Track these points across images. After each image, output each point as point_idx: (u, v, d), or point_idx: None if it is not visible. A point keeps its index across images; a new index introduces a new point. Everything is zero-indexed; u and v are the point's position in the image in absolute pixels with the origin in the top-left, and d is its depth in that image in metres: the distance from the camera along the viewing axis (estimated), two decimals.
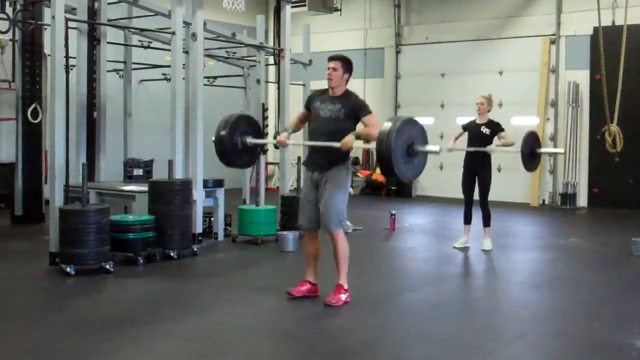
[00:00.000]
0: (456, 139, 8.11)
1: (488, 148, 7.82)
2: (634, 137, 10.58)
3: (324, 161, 5.43)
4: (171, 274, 6.71)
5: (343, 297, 5.44)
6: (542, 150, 8.29)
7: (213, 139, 5.85)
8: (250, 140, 5.78)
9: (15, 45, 9.33)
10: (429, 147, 5.05)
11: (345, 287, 5.48)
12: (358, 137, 5.30)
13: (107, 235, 6.50)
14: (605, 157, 10.16)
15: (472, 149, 7.90)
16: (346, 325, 5.14)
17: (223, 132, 5.70)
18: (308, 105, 5.65)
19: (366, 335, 4.90)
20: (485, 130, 7.88)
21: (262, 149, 6.16)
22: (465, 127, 8.07)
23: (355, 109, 5.40)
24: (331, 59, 5.55)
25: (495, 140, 7.97)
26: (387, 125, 4.89)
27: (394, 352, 4.52)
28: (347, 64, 5.51)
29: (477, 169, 7.93)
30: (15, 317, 5.19)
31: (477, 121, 8.00)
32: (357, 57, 14.77)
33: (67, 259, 6.36)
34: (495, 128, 7.89)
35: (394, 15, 14.54)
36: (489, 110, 8.00)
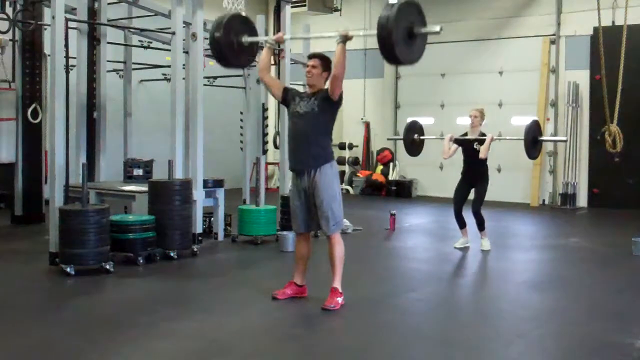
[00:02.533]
0: (450, 150, 8.08)
1: (481, 155, 7.78)
2: (634, 137, 10.59)
3: (308, 158, 5.40)
4: (171, 274, 6.71)
5: (340, 300, 5.42)
6: (545, 138, 8.34)
7: (208, 42, 5.77)
8: (245, 38, 5.68)
9: (15, 45, 9.32)
10: (430, 28, 4.99)
11: (340, 290, 5.46)
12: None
13: (107, 235, 6.50)
14: (605, 157, 10.16)
15: (467, 139, 7.93)
16: (346, 325, 5.14)
17: (217, 34, 5.58)
18: (286, 89, 5.67)
19: (366, 335, 4.90)
20: (477, 146, 7.86)
21: (259, 45, 6.05)
22: (459, 143, 8.04)
23: (323, 92, 5.41)
24: (311, 56, 5.60)
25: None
26: (385, 11, 4.79)
27: (393, 352, 4.52)
28: (326, 62, 5.53)
29: (475, 181, 7.94)
30: (15, 317, 5.19)
31: (470, 135, 7.98)
32: (357, 57, 14.88)
33: (67, 259, 6.36)
34: (483, 142, 7.86)
35: None
36: (481, 124, 7.99)
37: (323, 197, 5.35)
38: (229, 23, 5.63)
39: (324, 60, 5.54)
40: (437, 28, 4.94)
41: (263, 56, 5.69)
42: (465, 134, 8.05)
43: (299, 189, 5.50)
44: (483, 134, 7.91)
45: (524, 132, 7.84)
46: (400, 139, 8.82)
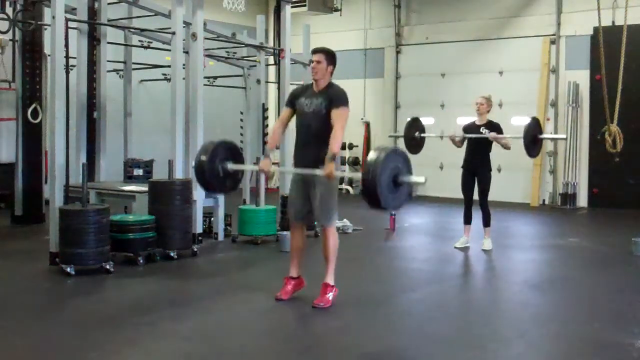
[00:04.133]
0: (457, 140, 8.10)
1: (489, 135, 7.80)
2: (634, 137, 10.58)
3: (312, 159, 5.41)
4: (171, 274, 6.71)
5: (330, 296, 5.43)
6: (545, 135, 8.32)
7: (193, 165, 5.79)
8: (231, 166, 5.68)
9: (15, 45, 9.32)
10: (415, 178, 5.00)
11: (332, 283, 5.47)
12: (333, 158, 5.22)
13: (107, 235, 6.50)
14: (605, 157, 10.15)
15: (472, 135, 7.93)
16: (346, 325, 5.14)
17: (203, 158, 5.59)
18: (292, 101, 5.62)
19: (366, 335, 4.89)
20: (484, 131, 7.87)
21: (243, 174, 6.09)
22: (466, 130, 8.06)
23: (332, 99, 5.39)
24: (314, 51, 5.60)
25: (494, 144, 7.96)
26: (373, 156, 4.83)
27: (393, 352, 4.52)
28: (330, 56, 5.55)
29: (476, 168, 7.94)
30: (15, 317, 5.19)
31: (477, 122, 8.00)
32: (357, 57, 14.89)
33: (67, 259, 6.36)
34: (496, 130, 7.87)
35: (394, 15, 14.54)
36: (488, 111, 8.00)
37: (321, 190, 5.39)
38: (216, 149, 5.63)
39: (328, 54, 5.56)
40: (422, 179, 4.95)
41: (274, 129, 5.70)
42: (473, 123, 8.03)
43: (297, 180, 5.57)
44: (491, 122, 7.91)
45: (524, 130, 7.82)
46: (401, 137, 8.80)
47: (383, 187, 4.78)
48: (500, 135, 7.85)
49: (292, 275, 5.68)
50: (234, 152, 5.79)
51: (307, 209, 5.54)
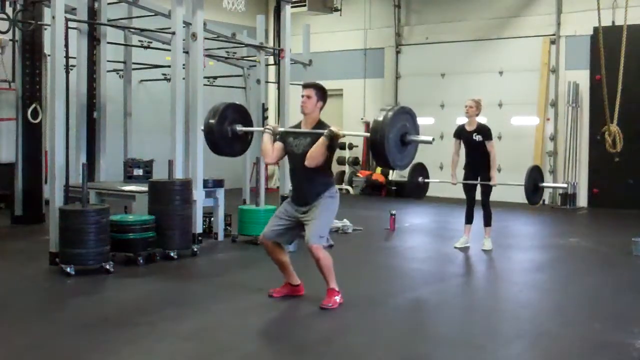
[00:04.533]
0: (456, 152, 8.14)
1: (491, 183, 7.85)
2: (634, 137, 10.58)
3: (310, 195, 5.37)
4: (171, 274, 6.71)
5: (337, 298, 5.43)
6: (545, 184, 8.37)
7: (202, 128, 5.85)
8: (240, 128, 5.76)
9: (15, 45, 9.32)
10: (422, 137, 5.05)
11: (337, 289, 5.46)
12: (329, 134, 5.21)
13: (107, 235, 6.50)
14: (605, 157, 10.15)
15: (473, 182, 7.99)
16: (346, 325, 5.14)
17: (212, 121, 5.69)
18: (282, 141, 5.54)
19: (366, 335, 4.90)
20: (476, 137, 7.89)
21: (252, 136, 6.17)
22: (458, 135, 8.07)
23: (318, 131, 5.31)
24: (305, 86, 5.51)
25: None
26: (381, 114, 4.90)
27: (394, 352, 4.52)
28: (321, 93, 5.45)
29: (479, 170, 7.95)
30: (15, 317, 5.19)
31: (467, 127, 7.99)
32: (357, 57, 14.89)
33: (67, 259, 6.36)
34: (484, 135, 7.88)
35: (394, 15, 14.54)
36: (477, 114, 8.00)
37: (318, 213, 5.32)
38: (224, 112, 5.73)
39: (319, 90, 5.46)
40: (430, 139, 5.03)
41: (265, 142, 5.58)
42: (464, 127, 8.04)
43: (288, 210, 5.47)
44: (481, 125, 7.92)
45: (525, 178, 7.76)
46: (405, 180, 8.77)
47: (391, 145, 4.81)
48: (493, 181, 7.83)
49: (290, 283, 5.68)
50: (243, 115, 5.85)
51: (281, 233, 5.46)
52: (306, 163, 5.25)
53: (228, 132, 5.76)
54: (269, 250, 5.57)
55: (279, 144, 5.58)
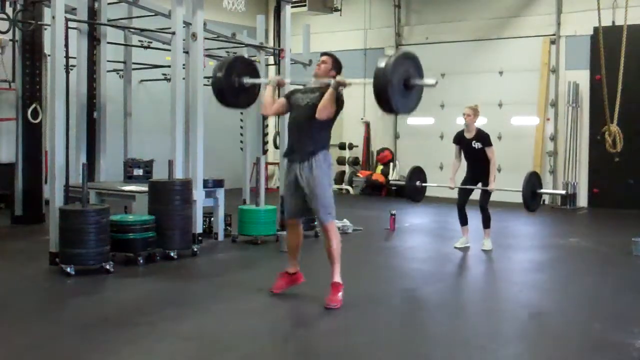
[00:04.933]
0: (457, 158, 8.14)
1: (489, 188, 7.83)
2: (634, 137, 10.58)
3: (304, 149, 5.46)
4: (171, 274, 6.71)
5: (340, 295, 5.44)
6: (543, 191, 8.38)
7: (210, 81, 5.99)
8: (247, 80, 5.87)
9: (15, 45, 9.32)
10: (426, 80, 5.08)
11: (340, 281, 5.48)
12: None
13: (107, 235, 6.50)
14: (605, 157, 10.15)
15: (471, 187, 8.01)
16: (346, 325, 5.14)
17: (219, 74, 5.80)
18: (288, 96, 5.71)
19: (366, 335, 4.90)
20: (475, 144, 7.89)
21: (259, 89, 6.31)
22: (458, 141, 8.08)
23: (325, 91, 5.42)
24: (324, 54, 5.67)
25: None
26: (384, 60, 4.92)
27: (394, 352, 4.52)
28: (337, 63, 5.63)
29: (480, 177, 7.95)
30: (15, 317, 5.19)
31: (466, 135, 7.99)
32: (357, 57, 14.87)
33: (67, 259, 6.36)
34: (484, 142, 7.88)
35: (394, 15, 14.54)
36: (475, 121, 8.00)
37: (316, 189, 5.40)
38: (232, 64, 5.87)
39: (336, 61, 5.63)
40: (433, 81, 5.05)
41: (267, 94, 5.78)
42: (463, 134, 8.05)
43: (289, 179, 5.59)
44: (480, 132, 7.92)
45: (523, 183, 7.75)
46: (402, 184, 8.80)
47: (394, 89, 4.84)
48: (491, 186, 7.81)
49: (288, 271, 5.73)
50: (251, 68, 5.98)
51: (300, 207, 5.57)
52: (317, 115, 5.34)
53: (235, 82, 5.87)
54: (291, 229, 5.72)
55: (282, 99, 5.75)
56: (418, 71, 5.09)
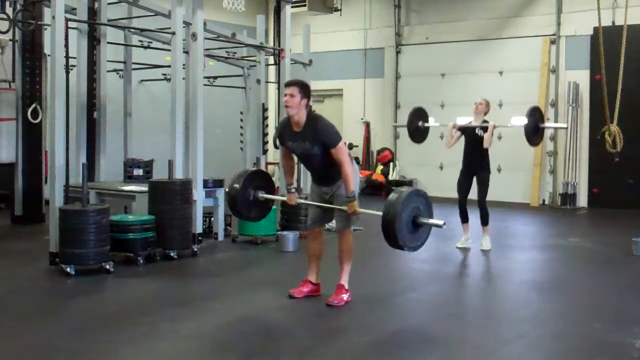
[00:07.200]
0: (453, 138, 8.12)
1: (488, 133, 7.80)
2: (634, 137, 10.58)
3: (327, 180, 5.53)
4: (171, 274, 6.71)
5: (345, 297, 5.47)
6: (546, 125, 8.31)
7: (226, 189, 6.01)
8: (262, 194, 5.86)
9: (15, 45, 9.32)
10: (433, 221, 5.08)
11: (347, 287, 5.51)
12: (352, 196, 5.32)
13: (107, 235, 6.50)
14: (605, 157, 10.14)
15: (469, 151, 7.94)
16: (346, 325, 5.14)
17: (237, 185, 5.77)
18: (282, 143, 5.65)
19: (366, 335, 4.89)
20: (479, 132, 7.90)
21: (273, 203, 6.29)
22: (462, 130, 8.09)
23: (324, 142, 5.33)
24: (287, 84, 5.47)
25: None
26: (394, 194, 5.00)
27: (394, 352, 4.52)
28: (304, 90, 5.36)
29: (476, 169, 7.95)
30: (15, 317, 5.20)
31: (474, 123, 8.00)
32: (357, 57, 14.88)
33: (67, 259, 6.36)
34: (485, 129, 7.88)
35: (394, 15, 14.53)
36: (485, 113, 8.02)
37: (340, 203, 5.45)
38: (250, 177, 5.86)
39: (302, 87, 5.38)
40: (441, 222, 5.05)
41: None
42: (470, 123, 8.05)
43: (316, 192, 5.65)
44: (486, 122, 7.93)
45: (526, 115, 7.74)
46: (404, 126, 8.77)
47: (402, 226, 4.89)
48: (488, 135, 7.79)
49: (311, 280, 5.71)
50: (266, 181, 6.00)
51: (320, 216, 5.64)
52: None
53: (250, 195, 5.83)
54: (312, 239, 5.73)
55: (282, 149, 5.71)
56: (428, 209, 5.10)
